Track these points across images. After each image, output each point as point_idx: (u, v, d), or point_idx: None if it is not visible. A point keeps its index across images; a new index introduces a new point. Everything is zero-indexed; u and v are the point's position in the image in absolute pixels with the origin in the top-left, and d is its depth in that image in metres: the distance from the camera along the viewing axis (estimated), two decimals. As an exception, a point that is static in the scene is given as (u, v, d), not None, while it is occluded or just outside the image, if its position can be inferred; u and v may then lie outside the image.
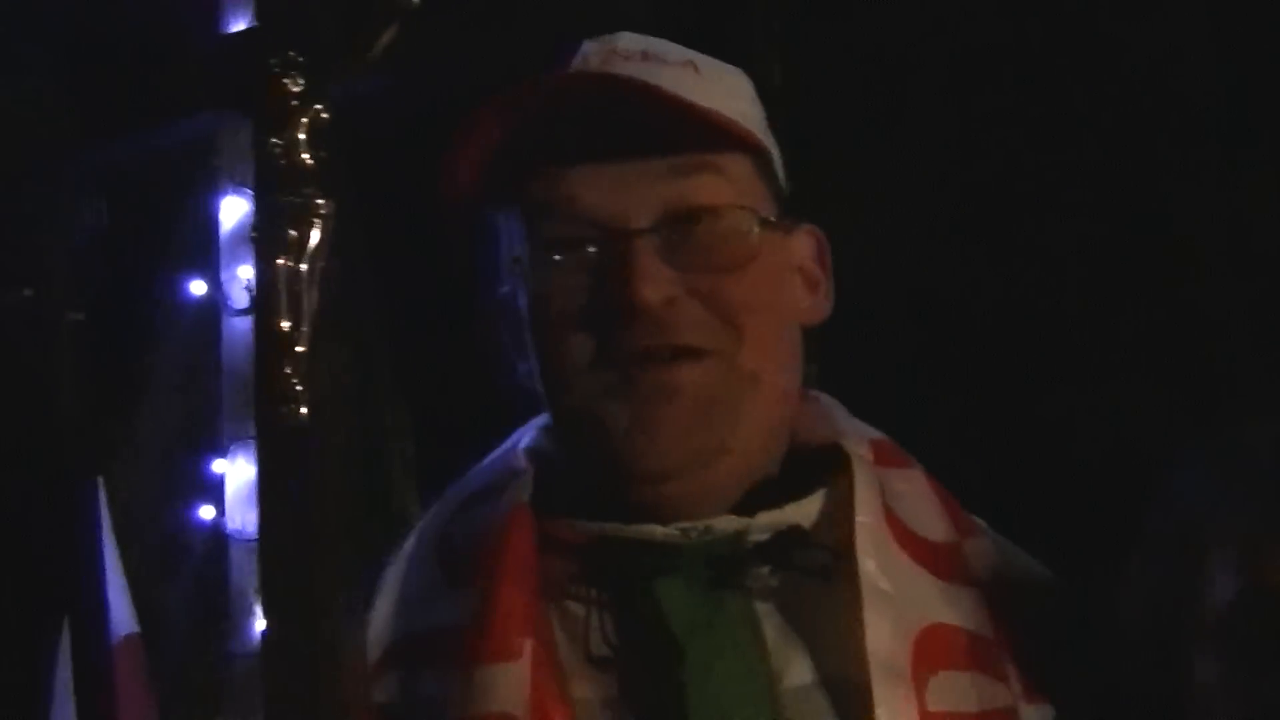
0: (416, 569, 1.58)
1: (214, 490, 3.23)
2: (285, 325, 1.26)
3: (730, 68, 1.66)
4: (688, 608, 1.51)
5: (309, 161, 1.28)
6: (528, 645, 1.47)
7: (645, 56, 1.58)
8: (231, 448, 3.21)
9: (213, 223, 3.25)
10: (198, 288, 3.25)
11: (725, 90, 1.62)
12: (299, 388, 1.25)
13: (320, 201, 1.27)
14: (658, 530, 1.52)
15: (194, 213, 3.24)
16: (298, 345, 1.26)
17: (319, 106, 1.29)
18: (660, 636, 1.50)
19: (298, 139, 1.28)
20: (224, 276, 3.25)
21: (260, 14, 1.35)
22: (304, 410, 1.25)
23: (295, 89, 1.28)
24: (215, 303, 3.20)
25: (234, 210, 3.27)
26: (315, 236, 1.27)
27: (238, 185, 3.12)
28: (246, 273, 3.16)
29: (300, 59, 1.29)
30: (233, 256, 3.27)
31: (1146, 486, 1.61)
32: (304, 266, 1.27)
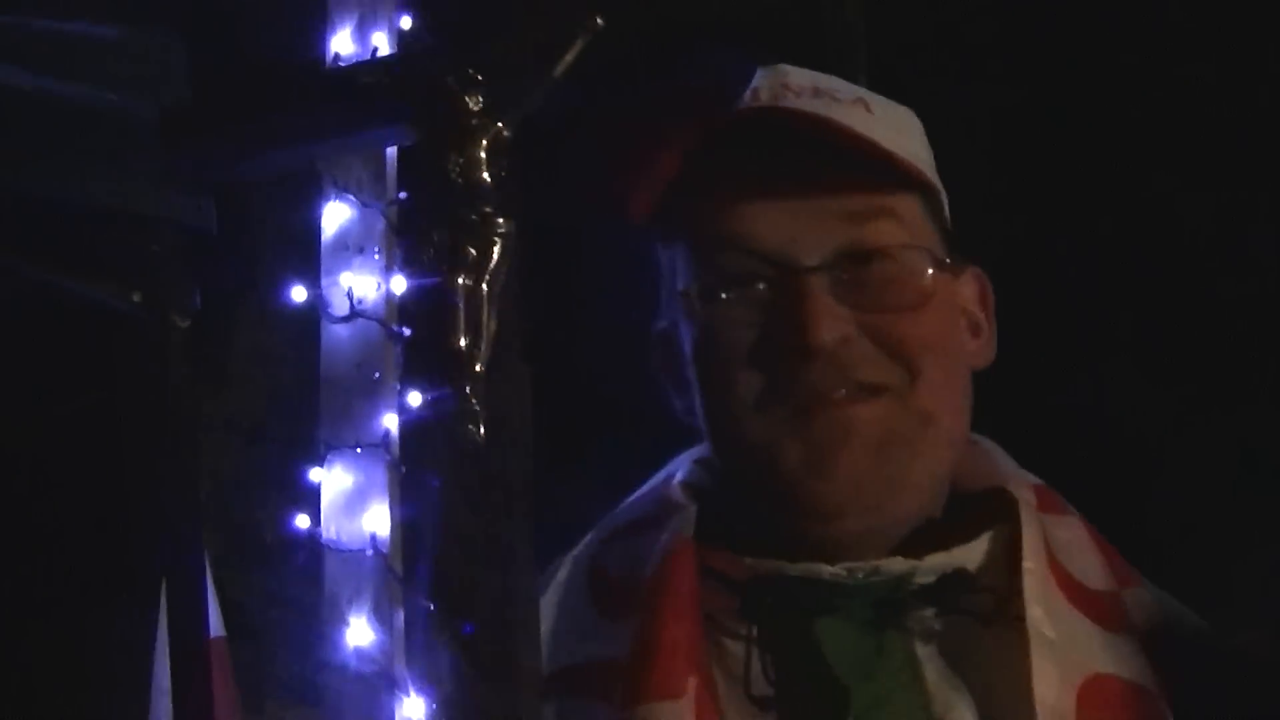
0: (569, 599, 1.56)
1: (310, 499, 3.21)
2: (464, 344, 1.25)
3: (899, 106, 1.64)
4: (850, 649, 1.49)
5: (489, 179, 1.26)
6: (691, 683, 1.46)
7: (816, 92, 1.56)
8: (328, 457, 3.18)
9: (315, 229, 3.23)
10: (298, 294, 3.23)
11: (897, 128, 1.60)
12: (477, 408, 1.24)
13: (500, 220, 1.26)
14: (825, 569, 1.50)
15: (296, 218, 3.22)
16: (477, 365, 1.25)
17: (500, 124, 1.27)
18: (822, 677, 1.48)
19: (478, 157, 1.26)
20: (324, 283, 3.22)
21: (437, 30, 1.33)
22: (480, 430, 1.24)
23: (476, 106, 1.27)
24: (315, 309, 3.18)
25: (336, 216, 3.24)
26: (495, 255, 1.26)
27: (340, 191, 3.10)
28: (348, 280, 3.16)
29: (480, 76, 1.27)
30: (334, 263, 3.25)
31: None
32: (484, 286, 1.25)
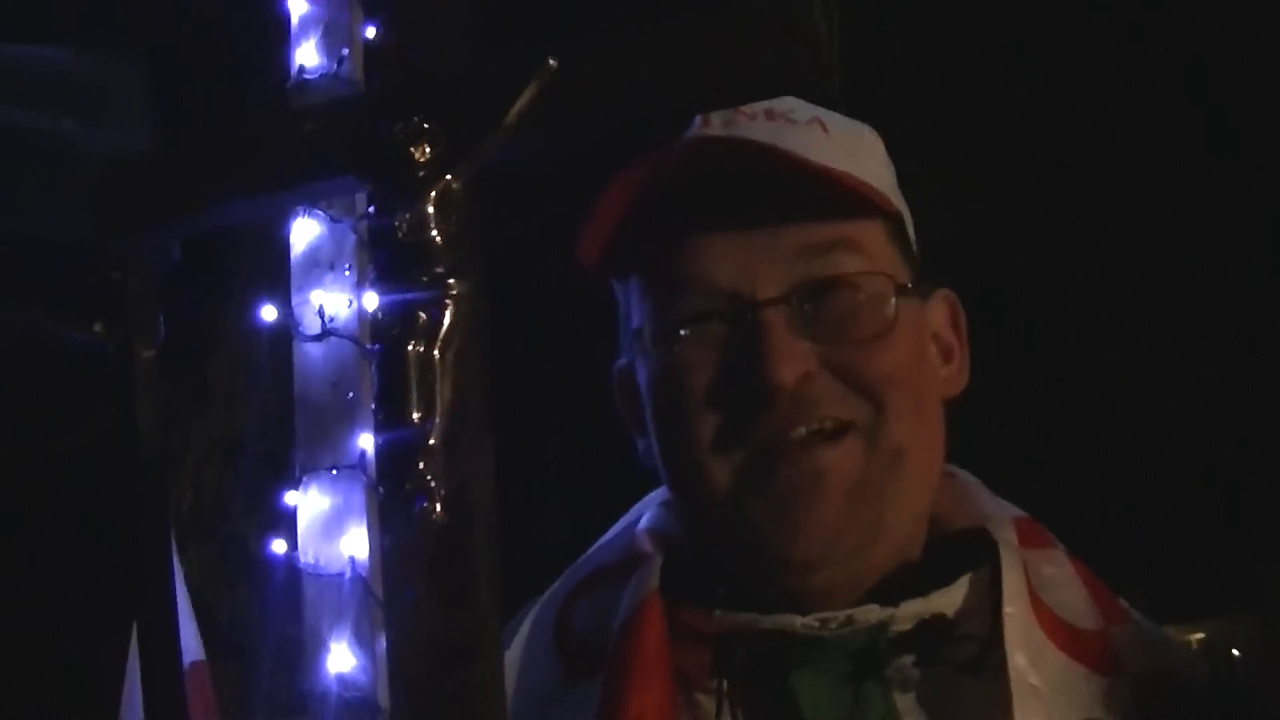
0: (535, 657, 1.47)
1: (287, 523, 3.15)
2: (417, 416, 1.16)
3: (859, 125, 1.54)
4: (826, 702, 1.41)
5: (439, 238, 1.18)
6: None
7: (770, 115, 1.47)
8: (304, 479, 3.12)
9: (284, 247, 3.16)
10: (269, 314, 3.16)
11: (855, 150, 1.50)
12: (433, 484, 1.15)
13: (452, 281, 1.17)
14: (797, 621, 1.41)
15: (265, 236, 3.15)
16: (431, 439, 1.16)
17: (450, 177, 1.18)
18: None
19: (427, 213, 1.17)
20: (295, 301, 3.15)
21: (383, 76, 1.24)
22: (439, 509, 1.15)
23: (423, 158, 1.18)
24: (287, 329, 3.11)
25: (305, 233, 3.17)
26: (448, 320, 1.17)
27: (308, 209, 3.03)
28: (319, 298, 3.08)
29: (428, 125, 1.18)
30: (304, 281, 3.18)
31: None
32: (436, 354, 1.17)
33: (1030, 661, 1.44)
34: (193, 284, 2.95)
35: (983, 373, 1.59)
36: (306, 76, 2.66)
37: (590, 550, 1.58)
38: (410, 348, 1.18)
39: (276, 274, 3.13)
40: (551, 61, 1.20)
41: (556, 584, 1.56)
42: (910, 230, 1.54)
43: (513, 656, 1.51)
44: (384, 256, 1.21)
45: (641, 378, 1.51)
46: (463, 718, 1.17)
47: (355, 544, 2.75)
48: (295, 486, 3.08)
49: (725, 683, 1.45)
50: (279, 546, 3.06)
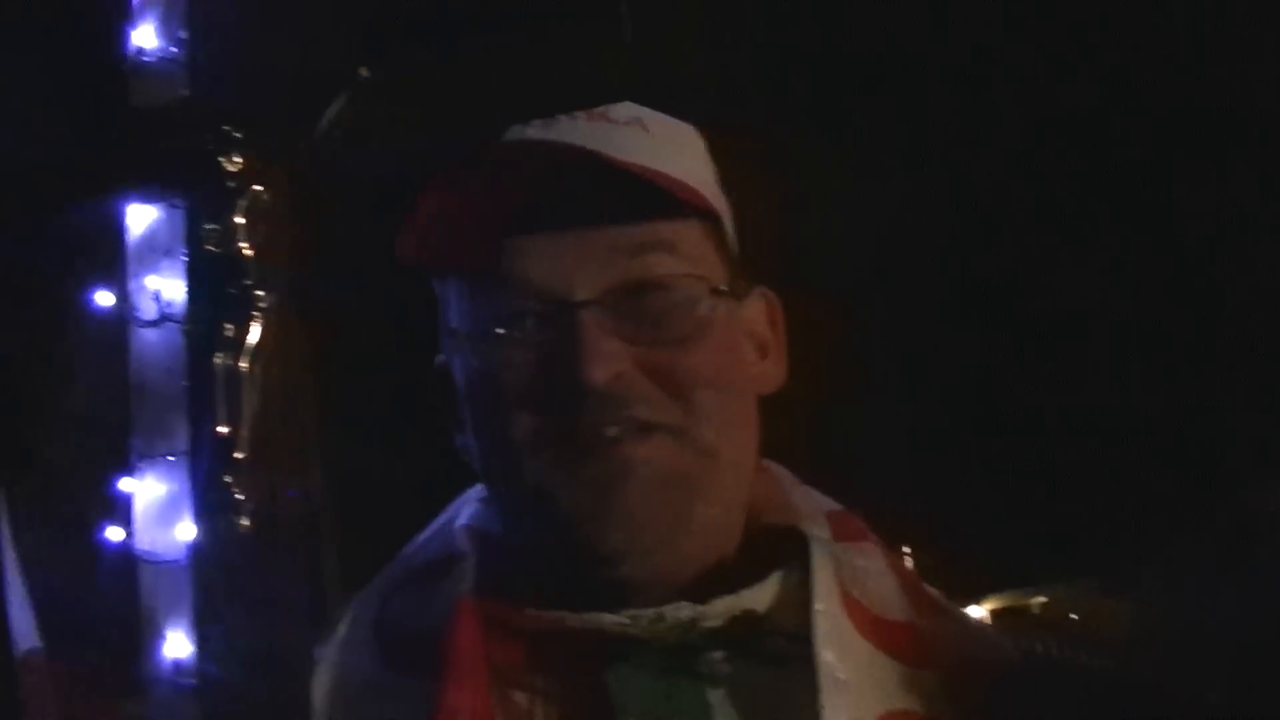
0: (353, 657, 1.48)
1: (123, 510, 3.11)
2: (223, 430, 1.16)
3: (681, 124, 1.56)
4: (640, 699, 1.42)
5: (248, 250, 1.18)
6: None
7: (590, 115, 1.48)
8: (140, 466, 3.09)
9: (120, 232, 3.12)
10: (105, 299, 3.13)
11: (676, 149, 1.52)
12: (239, 496, 1.15)
13: (260, 294, 1.17)
14: (607, 619, 1.43)
15: (100, 221, 3.11)
16: (236, 451, 1.16)
17: (260, 188, 1.18)
18: None
19: (235, 225, 1.17)
20: (132, 287, 3.12)
21: (193, 86, 1.24)
22: (245, 520, 1.15)
23: (234, 169, 1.18)
24: (123, 314, 3.07)
25: (141, 219, 3.14)
26: (255, 333, 1.17)
27: (143, 189, 3.00)
28: (155, 283, 3.05)
29: (239, 135, 1.18)
30: (140, 266, 3.15)
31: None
32: (242, 365, 1.17)
33: (838, 655, 1.47)
34: (29, 269, 2.91)
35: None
36: (144, 59, 2.63)
37: (408, 547, 1.59)
38: (217, 360, 1.18)
39: (112, 259, 3.09)
40: (364, 72, 1.20)
41: (374, 581, 1.57)
42: (730, 229, 1.56)
43: (331, 655, 1.52)
44: (193, 267, 1.21)
45: (459, 375, 1.52)
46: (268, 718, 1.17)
47: (191, 530, 2.73)
48: (131, 473, 3.05)
49: (540, 680, 1.47)
50: (115, 533, 3.03)
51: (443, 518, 1.61)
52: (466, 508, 1.61)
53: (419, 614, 1.51)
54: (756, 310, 1.60)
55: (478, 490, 1.60)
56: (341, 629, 1.53)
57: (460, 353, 1.53)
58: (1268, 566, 1.43)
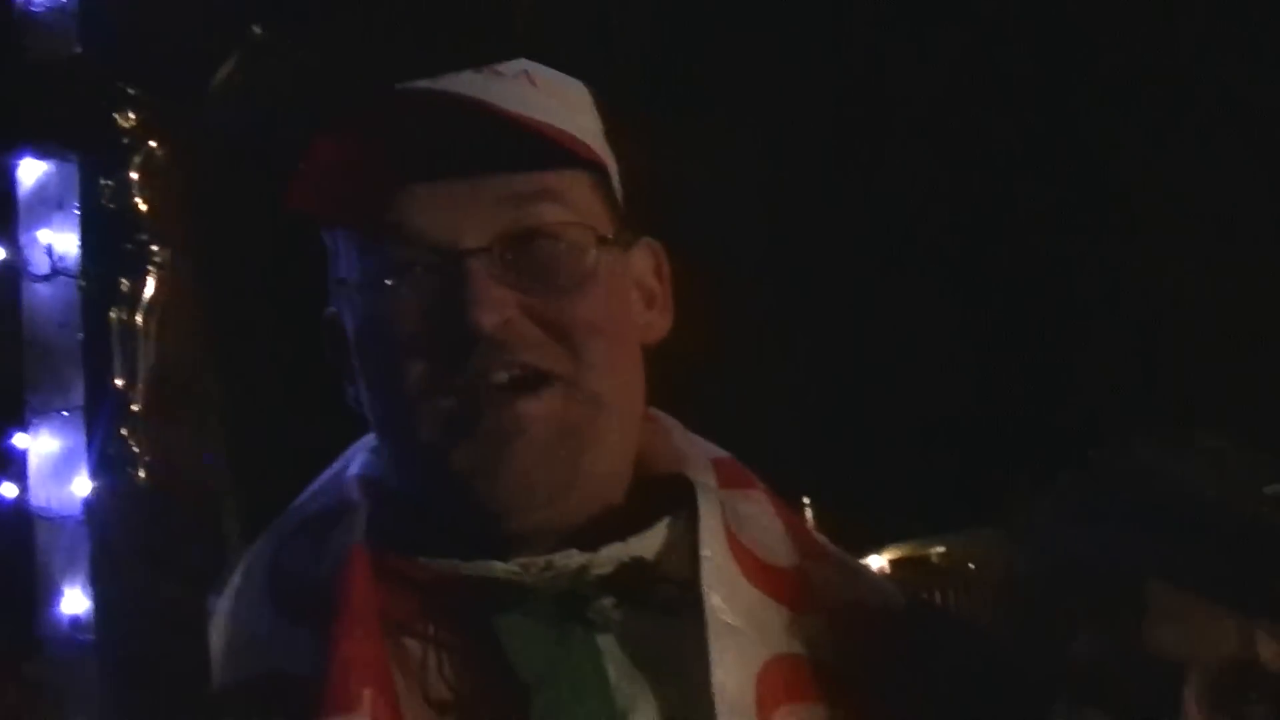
0: (247, 607, 1.50)
1: (17, 465, 3.09)
2: (120, 383, 1.17)
3: (568, 78, 1.59)
4: (531, 647, 1.46)
5: (143, 205, 1.18)
6: (367, 695, 1.41)
7: (479, 68, 1.50)
8: (34, 421, 3.07)
9: (10, 185, 3.09)
10: (-5, 252, 3.09)
11: (562, 102, 1.55)
12: (136, 450, 1.17)
13: (155, 249, 1.18)
14: (498, 567, 1.46)
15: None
16: (133, 405, 1.17)
17: (155, 144, 1.19)
18: (503, 677, 1.44)
19: (129, 180, 1.18)
20: (24, 240, 3.09)
21: (86, 43, 1.24)
22: (142, 475, 1.17)
23: (127, 125, 1.18)
24: (15, 268, 3.04)
25: (31, 172, 3.10)
26: (151, 287, 1.18)
27: (35, 145, 2.96)
28: (47, 237, 3.04)
29: (133, 92, 1.19)
30: (32, 219, 3.11)
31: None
32: (138, 320, 1.18)
33: (726, 600, 1.51)
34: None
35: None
36: (33, 8, 2.59)
37: (301, 497, 1.61)
38: (113, 314, 1.19)
39: (4, 213, 3.06)
40: (256, 30, 1.21)
41: (268, 534, 1.58)
42: (616, 181, 1.59)
43: (226, 606, 1.53)
44: (87, 222, 1.22)
45: (349, 326, 1.54)
46: (165, 676, 1.19)
47: (87, 486, 2.72)
48: (26, 428, 3.03)
49: (433, 628, 1.49)
50: (9, 489, 3.01)
51: (334, 467, 1.63)
52: (358, 457, 1.63)
53: (312, 564, 1.53)
54: (643, 261, 1.63)
55: (369, 439, 1.62)
56: (236, 579, 1.54)
57: (350, 303, 1.55)
58: (1125, 516, 1.50)
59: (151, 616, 1.20)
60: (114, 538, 1.20)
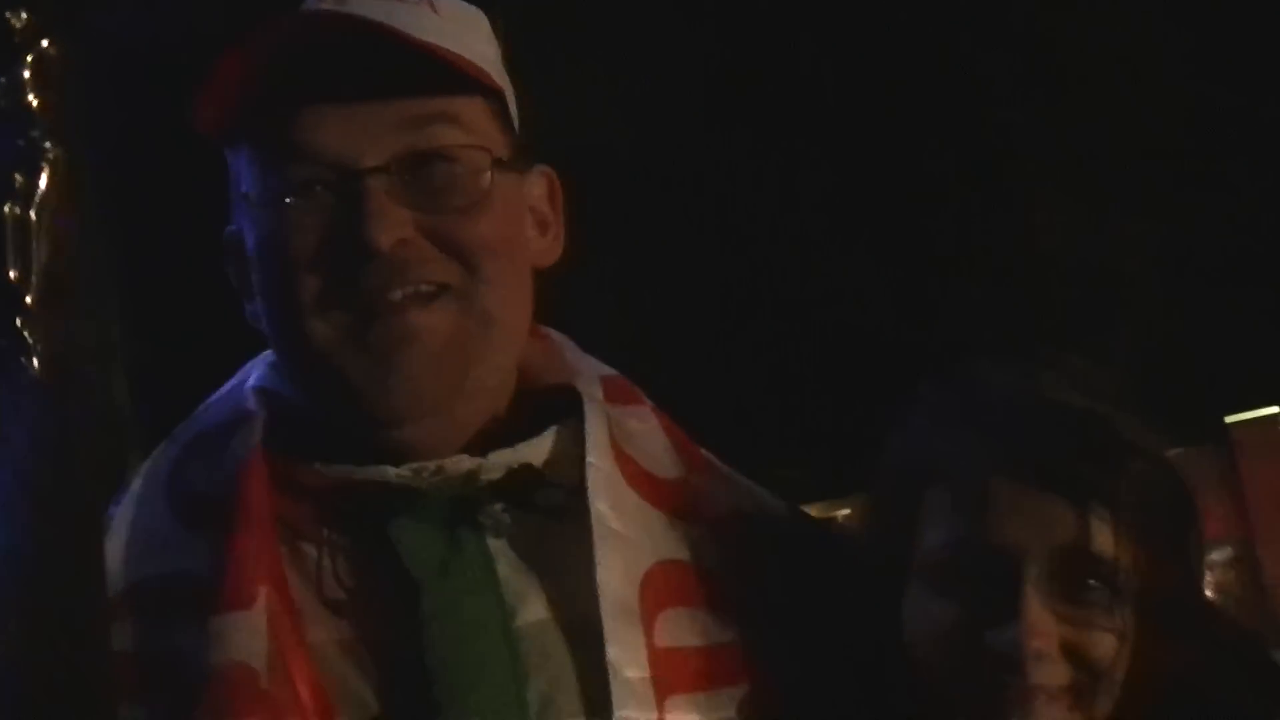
0: (146, 512, 1.53)
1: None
2: (13, 275, 1.20)
3: (468, 5, 1.63)
4: (423, 548, 1.50)
5: (35, 103, 1.21)
6: (262, 592, 1.45)
7: None
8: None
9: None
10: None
11: (462, 28, 1.59)
12: (31, 343, 1.19)
13: (48, 146, 1.20)
14: (390, 472, 1.51)
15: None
16: (27, 297, 1.20)
17: (46, 42, 1.21)
18: (396, 578, 1.49)
19: (22, 78, 1.20)
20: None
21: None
22: (36, 367, 1.19)
23: (19, 24, 1.21)
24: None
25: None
26: (44, 183, 1.20)
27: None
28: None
29: (24, -9, 1.21)
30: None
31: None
32: (32, 215, 1.20)
33: (611, 507, 1.57)
34: None
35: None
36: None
37: (200, 408, 1.64)
38: (5, 209, 1.22)
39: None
40: (150, -67, 1.23)
41: (167, 441, 1.62)
42: (513, 107, 1.64)
43: (125, 512, 1.56)
44: (-22, 122, 1.24)
45: (249, 241, 1.58)
46: (64, 569, 1.22)
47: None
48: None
49: (328, 532, 1.54)
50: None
51: (234, 380, 1.67)
52: (257, 370, 1.67)
53: (210, 471, 1.57)
54: (538, 187, 1.68)
55: (268, 355, 1.66)
56: (135, 485, 1.58)
57: (250, 219, 1.58)
58: (965, 417, 1.56)
59: (45, 511, 1.23)
60: (8, 434, 1.22)
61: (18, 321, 1.20)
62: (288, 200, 1.51)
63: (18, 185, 1.21)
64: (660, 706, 1.48)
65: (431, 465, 1.52)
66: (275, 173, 1.52)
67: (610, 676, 1.47)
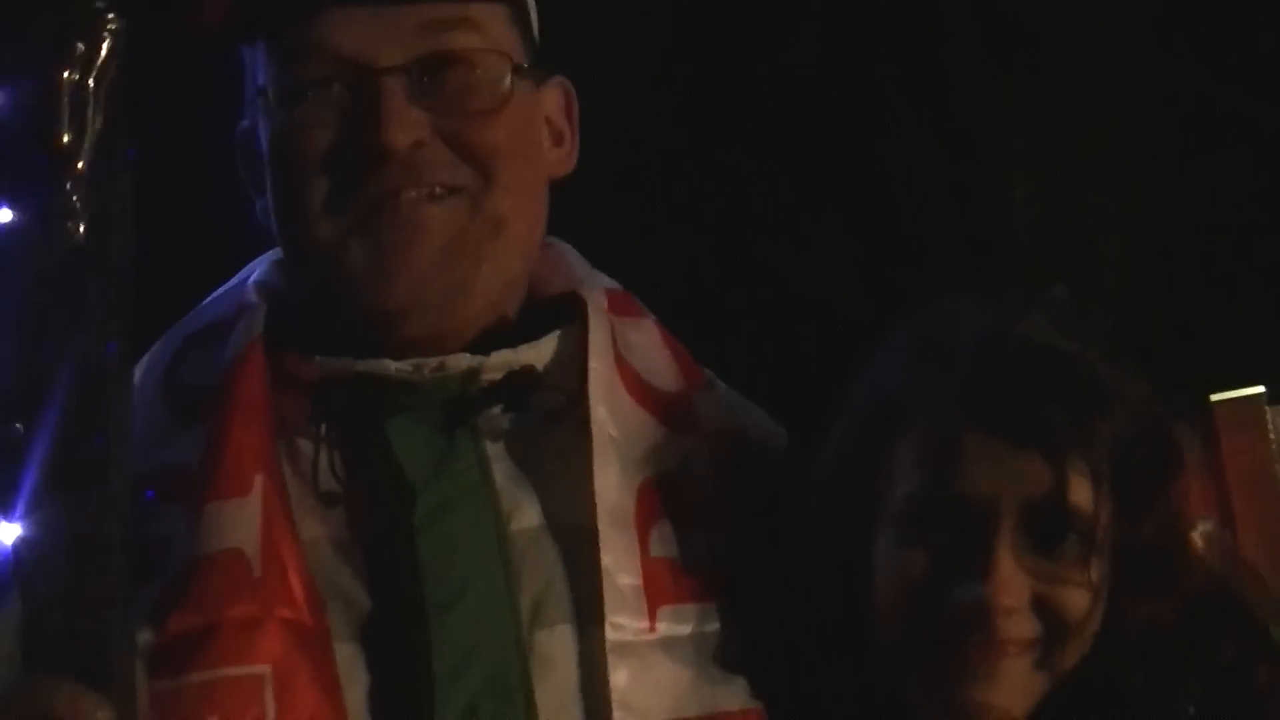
0: (143, 405, 1.53)
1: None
2: (66, 140, 1.22)
3: None
4: (419, 450, 1.51)
5: (100, -28, 1.23)
6: (258, 481, 1.45)
7: None
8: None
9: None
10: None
11: None
12: (78, 207, 1.22)
13: (110, 16, 1.22)
14: (390, 365, 1.51)
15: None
16: (79, 162, 1.22)
17: (108, -80, 1.23)
18: (391, 477, 1.50)
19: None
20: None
21: None
22: (80, 231, 1.22)
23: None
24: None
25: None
26: (104, 51, 1.22)
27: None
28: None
29: None
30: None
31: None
32: (91, 82, 1.23)
33: (610, 414, 1.58)
34: None
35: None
36: None
37: (201, 304, 1.65)
38: (65, 75, 1.24)
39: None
40: None
41: (162, 340, 1.63)
42: (533, 17, 1.65)
43: None
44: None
45: (262, 137, 1.59)
46: (86, 432, 1.24)
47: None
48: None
49: (324, 428, 1.55)
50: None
51: (237, 277, 1.68)
52: (260, 267, 1.68)
53: (208, 365, 1.58)
54: (554, 98, 1.70)
55: (273, 253, 1.67)
56: (135, 376, 1.59)
57: (264, 116, 1.59)
58: (932, 357, 1.51)
59: (82, 378, 1.25)
60: (49, 301, 1.24)
61: (68, 185, 1.22)
62: (304, 96, 1.52)
63: (78, 53, 1.23)
64: (651, 615, 1.48)
65: (433, 361, 1.52)
66: (293, 69, 1.52)
67: (603, 582, 1.47)
